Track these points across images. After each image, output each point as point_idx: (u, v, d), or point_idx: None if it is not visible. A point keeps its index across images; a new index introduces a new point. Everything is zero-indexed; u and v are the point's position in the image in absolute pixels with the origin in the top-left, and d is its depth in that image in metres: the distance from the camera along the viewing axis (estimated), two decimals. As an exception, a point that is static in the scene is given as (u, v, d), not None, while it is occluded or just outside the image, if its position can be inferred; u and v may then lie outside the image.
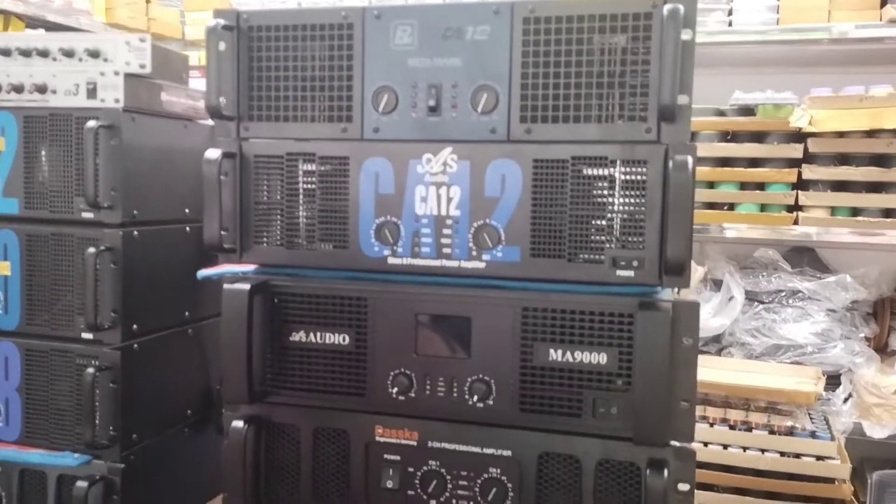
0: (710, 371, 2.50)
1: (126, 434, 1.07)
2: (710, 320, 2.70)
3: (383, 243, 0.89)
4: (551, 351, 0.85)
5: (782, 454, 2.33)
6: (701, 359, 2.62)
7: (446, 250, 0.87)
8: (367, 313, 0.90)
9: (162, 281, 1.13)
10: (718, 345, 2.78)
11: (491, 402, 0.87)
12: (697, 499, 2.47)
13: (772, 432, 2.36)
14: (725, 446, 2.41)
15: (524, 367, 0.86)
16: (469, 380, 0.87)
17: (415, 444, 0.90)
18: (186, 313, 1.21)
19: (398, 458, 0.90)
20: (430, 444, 0.89)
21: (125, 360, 1.06)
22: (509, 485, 0.87)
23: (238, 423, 0.92)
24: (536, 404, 0.86)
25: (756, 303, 2.68)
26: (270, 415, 0.93)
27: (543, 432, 0.86)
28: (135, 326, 1.09)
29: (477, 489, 0.88)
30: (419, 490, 0.90)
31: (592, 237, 0.83)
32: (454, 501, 0.89)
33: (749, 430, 2.39)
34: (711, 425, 2.43)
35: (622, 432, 0.83)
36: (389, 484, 0.90)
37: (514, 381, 0.86)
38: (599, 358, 0.83)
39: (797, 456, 2.32)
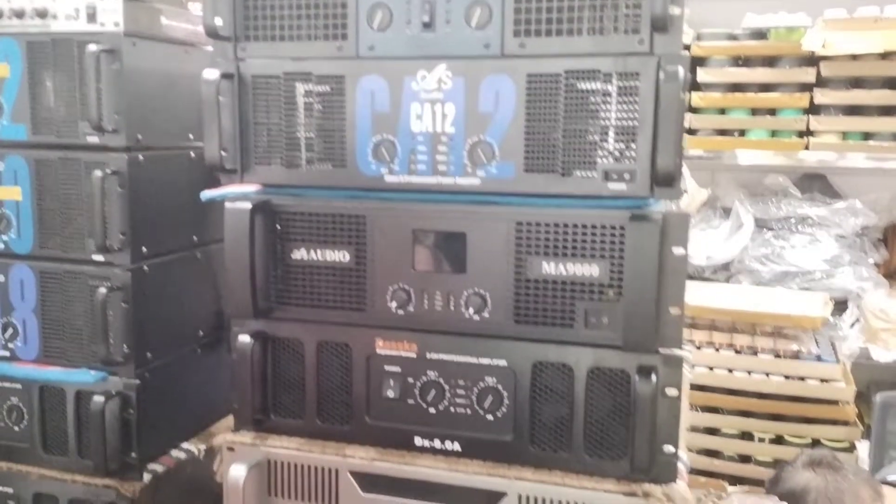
0: (718, 297, 2.52)
1: (139, 352, 1.11)
2: (720, 248, 2.71)
3: (380, 161, 0.90)
4: (544, 264, 0.87)
5: (787, 377, 2.37)
6: (709, 286, 2.65)
7: (442, 167, 0.89)
8: (365, 230, 0.92)
9: (168, 205, 1.16)
10: (727, 272, 2.80)
11: (486, 315, 0.90)
12: (703, 421, 2.51)
13: (777, 356, 2.40)
14: (731, 370, 2.45)
15: (518, 280, 0.88)
16: (465, 293, 0.90)
17: (414, 355, 0.93)
18: (194, 237, 1.23)
19: (398, 369, 0.94)
20: (428, 355, 0.93)
21: (135, 280, 1.10)
22: (504, 393, 0.91)
23: (244, 338, 0.96)
24: (530, 315, 0.88)
25: (765, 230, 2.68)
26: (275, 330, 0.97)
27: (537, 342, 0.89)
28: (144, 249, 1.12)
29: (474, 397, 0.92)
30: (419, 399, 0.93)
31: (585, 151, 0.84)
32: (452, 409, 0.93)
33: (755, 354, 2.43)
34: (717, 350, 2.47)
35: (613, 341, 0.85)
36: (390, 394, 0.94)
37: (508, 294, 0.88)
38: (591, 270, 0.86)
39: (802, 379, 2.36)
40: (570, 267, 0.86)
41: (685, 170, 1.35)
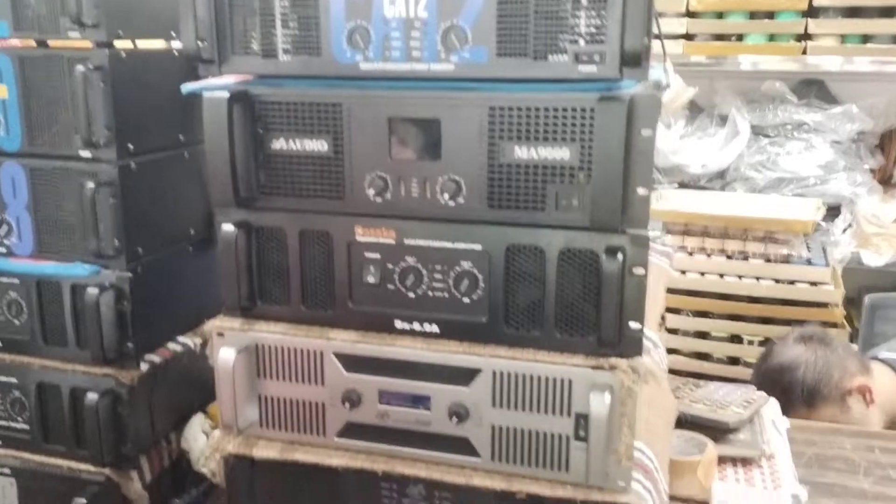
0: (711, 204, 2.54)
1: (130, 247, 1.15)
2: (715, 156, 2.71)
3: (355, 48, 0.91)
4: (517, 148, 0.89)
5: (777, 281, 2.42)
6: (703, 193, 2.68)
7: (416, 53, 0.90)
8: (342, 119, 0.94)
9: (153, 102, 1.17)
10: (723, 181, 2.82)
11: (461, 200, 0.92)
12: (694, 326, 2.57)
13: (768, 261, 2.44)
14: (722, 275, 2.50)
15: (491, 166, 0.90)
16: (440, 179, 0.92)
17: (392, 242, 0.96)
18: (181, 136, 1.25)
19: (378, 255, 0.97)
20: (406, 241, 0.95)
21: (122, 176, 1.12)
22: (480, 276, 0.94)
23: (228, 227, 0.98)
24: (504, 200, 0.91)
25: (761, 137, 2.68)
26: (258, 220, 1.00)
27: (510, 226, 0.91)
28: (130, 146, 1.14)
29: (451, 281, 0.95)
30: (398, 284, 0.97)
31: (556, 34, 0.85)
32: (430, 293, 0.96)
33: (746, 259, 2.47)
34: (709, 256, 2.51)
35: (582, 223, 0.88)
36: (371, 280, 0.97)
37: (482, 179, 0.91)
38: (562, 153, 0.87)
39: (792, 283, 2.41)
40: (542, 151, 0.88)
41: (670, 67, 1.35)
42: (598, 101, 0.83)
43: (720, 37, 2.54)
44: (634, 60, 0.82)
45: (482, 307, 0.95)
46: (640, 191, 0.86)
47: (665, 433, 1.19)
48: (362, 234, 0.97)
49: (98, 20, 1.06)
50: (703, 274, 2.50)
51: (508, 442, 0.95)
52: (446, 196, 0.92)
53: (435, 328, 0.97)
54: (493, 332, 0.95)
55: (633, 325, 0.90)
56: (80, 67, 1.06)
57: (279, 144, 0.97)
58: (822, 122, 2.54)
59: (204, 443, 1.27)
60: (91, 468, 1.20)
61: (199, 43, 0.95)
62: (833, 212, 2.54)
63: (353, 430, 1.01)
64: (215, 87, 0.95)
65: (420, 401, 0.97)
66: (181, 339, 1.30)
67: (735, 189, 2.73)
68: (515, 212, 0.91)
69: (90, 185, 1.10)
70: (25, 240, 1.17)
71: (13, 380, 1.21)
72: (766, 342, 2.47)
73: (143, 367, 1.20)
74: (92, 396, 1.16)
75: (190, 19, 0.93)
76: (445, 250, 0.95)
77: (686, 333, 2.56)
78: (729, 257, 2.46)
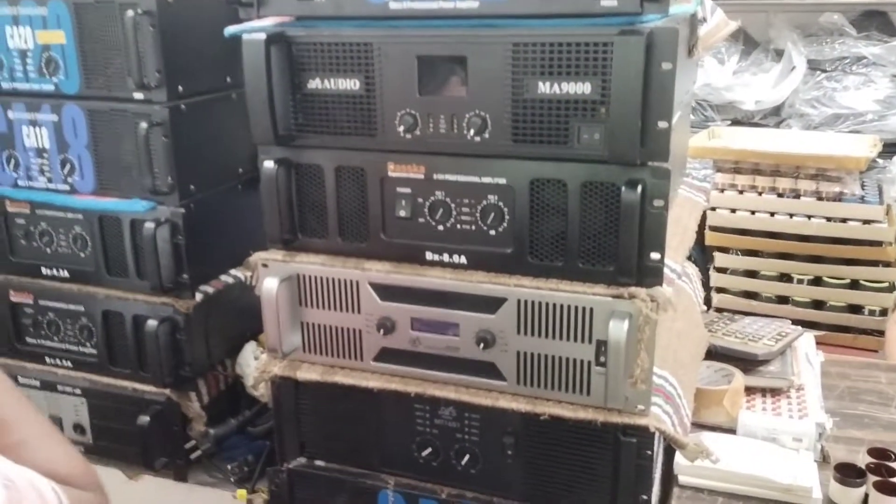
0: (763, 141, 2.50)
1: (183, 184, 1.22)
2: (770, 92, 2.65)
3: (384, -12, 0.94)
4: (540, 83, 0.91)
5: (829, 219, 2.38)
6: (755, 130, 2.64)
7: (442, -8, 0.92)
8: (373, 58, 0.97)
9: (201, 46, 1.22)
10: (777, 117, 2.76)
11: (487, 136, 0.96)
12: (743, 265, 2.56)
13: (819, 199, 2.40)
14: (773, 214, 2.47)
15: (516, 101, 0.93)
16: (467, 116, 0.96)
17: (422, 177, 1.00)
18: (228, 79, 1.31)
19: (409, 190, 1.02)
20: (435, 176, 1.00)
21: (173, 117, 1.19)
22: (505, 209, 0.98)
23: (269, 164, 1.04)
24: (527, 135, 0.94)
25: (818, 72, 2.61)
26: (297, 157, 1.05)
27: (534, 160, 0.95)
28: (180, 88, 1.20)
29: (477, 214, 0.99)
30: (428, 217, 1.02)
31: (577, -30, 0.86)
32: (458, 226, 1.01)
33: (797, 197, 2.43)
34: (760, 194, 2.48)
35: (603, 156, 0.91)
36: (402, 213, 1.02)
37: (506, 115, 0.94)
38: (584, 87, 0.90)
39: (843, 221, 2.37)
40: (564, 85, 0.90)
41: (710, 1, 1.34)
42: (617, 35, 0.85)
43: (776, -32, 2.46)
44: (654, -5, 0.83)
45: (507, 239, 0.99)
46: (661, 124, 0.88)
47: (692, 364, 1.23)
48: (394, 170, 1.02)
49: (145, -33, 1.11)
50: (753, 212, 2.47)
51: (532, 367, 1.01)
52: (472, 132, 0.96)
53: (463, 259, 1.02)
54: (518, 263, 0.99)
55: (654, 255, 0.93)
56: (129, 12, 1.12)
57: (315, 84, 1.01)
58: (882, 55, 2.46)
59: (256, 365, 1.36)
60: (153, 389, 1.30)
61: (239, -14, 0.99)
62: (891, 149, 2.47)
63: (387, 355, 1.07)
64: (254, 30, 1.00)
65: (449, 328, 1.03)
66: (233, 272, 1.38)
67: (790, 126, 2.67)
68: (539, 146, 0.94)
69: (143, 125, 1.17)
70: (87, 178, 1.26)
71: (81, 308, 1.32)
72: (816, 281, 2.45)
73: (198, 296, 1.29)
74: (152, 323, 1.26)
75: (228, -37, 0.98)
76: (472, 184, 0.99)
77: (735, 272, 2.55)
78: (780, 195, 2.42)
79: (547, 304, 0.98)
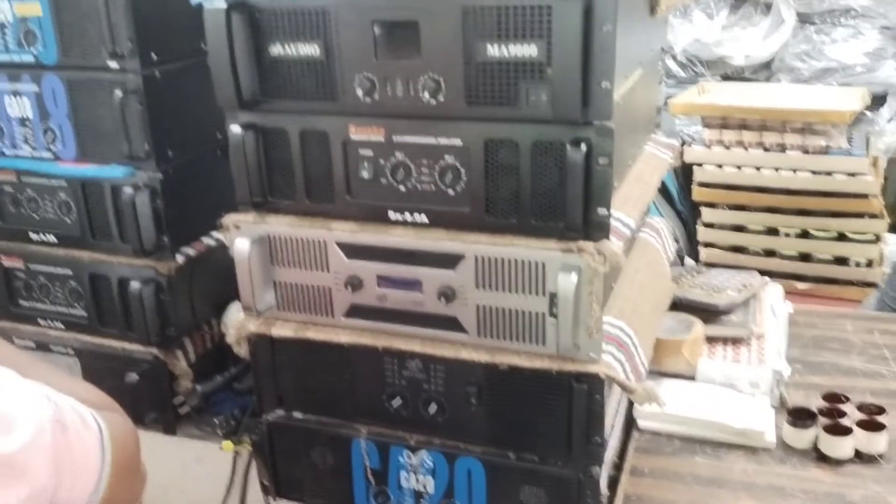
0: (749, 96, 2.51)
1: (160, 150, 1.26)
2: (759, 46, 2.65)
3: (338, -44, 0.97)
4: (489, 47, 0.94)
5: (815, 173, 2.40)
6: (746, 85, 2.64)
7: (393, -42, 0.95)
8: (331, 24, 1.01)
9: (171, 12, 1.25)
10: (768, 71, 2.76)
11: (441, 99, 0.99)
12: (730, 219, 2.59)
13: (806, 152, 2.41)
14: (759, 168, 2.49)
15: (467, 64, 0.96)
16: (422, 79, 0.99)
17: (382, 139, 1.04)
18: (202, 44, 1.34)
19: (370, 152, 1.06)
20: (394, 138, 1.04)
21: (147, 84, 1.22)
22: (462, 169, 1.02)
23: (236, 128, 1.08)
24: (480, 97, 0.97)
25: (807, 25, 2.60)
26: (263, 121, 1.09)
27: (487, 122, 0.98)
28: (153, 56, 1.24)
29: (436, 174, 1.03)
30: (390, 178, 1.06)
31: (520, -66, 0.89)
32: (418, 186, 1.05)
33: (783, 151, 2.45)
34: (746, 149, 2.50)
35: (551, 117, 0.94)
36: (365, 175, 1.06)
37: (459, 78, 0.97)
38: (530, 50, 0.93)
39: (829, 174, 2.38)
40: (512, 48, 0.93)
41: (671, -44, 1.35)
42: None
43: (764, -81, 2.44)
44: (591, -42, 0.86)
45: (465, 198, 1.03)
46: (604, 84, 0.91)
47: (653, 315, 1.27)
48: (355, 133, 1.05)
49: (113, -62, 1.14)
50: (739, 168, 2.49)
51: (491, 319, 1.05)
52: (427, 94, 0.99)
53: (424, 218, 1.06)
54: (475, 221, 1.03)
55: (601, 210, 0.97)
56: (99, -17, 1.15)
57: (276, 50, 1.05)
58: (871, 6, 2.44)
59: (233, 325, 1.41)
60: (141, 348, 1.36)
61: (199, -43, 1.02)
62: (879, 100, 2.47)
63: (356, 311, 1.12)
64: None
65: (413, 284, 1.08)
66: (215, 234, 1.42)
67: (780, 80, 2.67)
68: (491, 108, 0.97)
69: (118, 93, 1.21)
70: (69, 145, 1.30)
71: (69, 272, 1.37)
72: (803, 234, 2.48)
73: (180, 259, 1.34)
74: (136, 285, 1.31)
75: (188, -65, 1.01)
76: (430, 146, 1.02)
77: (723, 227, 2.58)
78: (766, 150, 2.44)
79: (502, 260, 1.02)
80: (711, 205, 2.57)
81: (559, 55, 0.90)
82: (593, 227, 0.97)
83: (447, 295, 1.06)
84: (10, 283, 1.43)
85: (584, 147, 0.93)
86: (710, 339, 1.33)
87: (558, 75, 0.91)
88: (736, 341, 1.33)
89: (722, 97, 2.57)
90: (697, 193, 2.54)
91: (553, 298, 1.00)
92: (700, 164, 2.51)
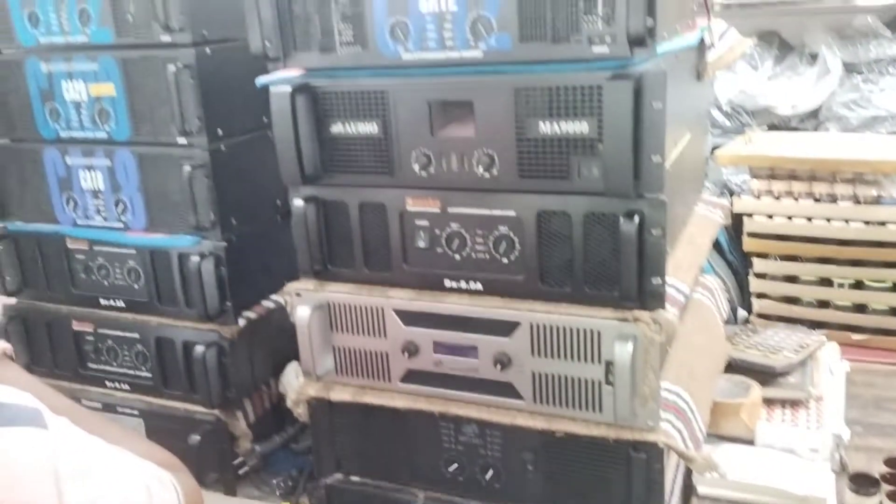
0: (798, 146, 2.50)
1: (224, 219, 1.32)
2: (806, 96, 2.65)
3: (396, 41, 1.02)
4: (541, 123, 0.98)
5: (867, 223, 2.37)
6: (793, 135, 2.63)
7: (449, 43, 1.00)
8: (388, 104, 1.05)
9: (238, 91, 1.32)
10: (815, 120, 2.75)
11: (495, 172, 1.03)
12: (782, 270, 2.56)
13: (857, 202, 2.38)
14: (810, 219, 2.47)
15: (520, 140, 1.00)
16: (476, 154, 1.03)
17: (438, 210, 1.08)
18: (264, 118, 1.40)
19: (426, 223, 1.09)
20: (450, 209, 1.07)
21: (214, 159, 1.29)
22: (515, 239, 1.05)
23: (298, 202, 1.13)
24: (532, 171, 1.01)
25: (854, 74, 2.60)
26: (324, 194, 1.14)
27: (539, 194, 1.01)
28: (220, 131, 1.30)
29: (490, 244, 1.06)
30: (445, 247, 1.09)
31: (571, 19, 0.93)
32: (473, 255, 1.08)
33: (834, 201, 2.42)
34: (797, 200, 2.48)
35: (603, 190, 0.97)
36: (421, 244, 1.10)
37: (512, 153, 1.01)
38: (581, 126, 0.96)
39: (882, 224, 2.35)
40: (563, 125, 0.97)
41: (717, 25, 1.39)
42: (608, 80, 0.91)
43: (807, -27, 2.46)
44: (640, 40, 0.89)
45: (519, 266, 1.06)
46: (654, 158, 0.94)
47: (709, 378, 1.27)
48: (412, 205, 1.09)
49: (184, 25, 1.22)
50: (790, 218, 2.47)
51: (547, 386, 1.07)
52: (481, 168, 1.03)
53: (479, 286, 1.09)
54: (530, 289, 1.06)
55: (654, 280, 0.98)
56: (171, 66, 1.22)
57: (337, 128, 1.10)
58: (919, 55, 2.43)
59: (293, 390, 1.45)
60: (203, 409, 1.41)
61: (266, 43, 1.08)
62: (932, 149, 2.44)
63: (413, 376, 1.15)
64: (281, 81, 1.09)
65: (469, 350, 1.10)
66: (273, 297, 1.47)
67: (828, 129, 2.66)
68: (543, 181, 1.00)
69: (187, 167, 1.28)
70: (139, 216, 1.37)
71: (136, 335, 1.43)
72: (857, 285, 2.44)
73: (241, 322, 1.39)
74: (200, 348, 1.36)
75: (255, 23, 1.07)
76: (484, 217, 1.06)
77: (774, 278, 2.55)
78: (817, 200, 2.42)
79: (558, 328, 1.04)
80: (763, 255, 2.55)
81: (610, 132, 0.93)
82: (648, 297, 0.99)
83: (503, 362, 1.08)
84: (80, 347, 1.49)
85: (636, 219, 0.95)
86: (768, 402, 1.32)
87: (609, 151, 0.94)
88: (794, 404, 1.32)
89: (769, 147, 2.56)
90: (748, 244, 2.53)
91: (609, 367, 1.02)
92: (750, 215, 2.50)
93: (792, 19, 2.70)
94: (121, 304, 1.43)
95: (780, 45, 2.76)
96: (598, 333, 1.02)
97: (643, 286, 0.98)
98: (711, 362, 1.30)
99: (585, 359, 1.03)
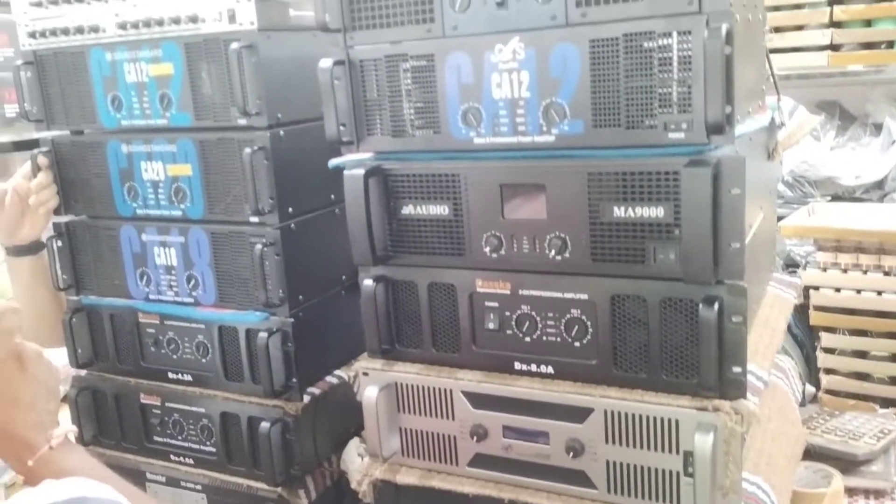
0: (864, 218, 2.45)
1: (292, 295, 1.34)
2: (870, 166, 2.60)
3: (469, 126, 1.04)
4: (615, 208, 0.98)
5: (943, 298, 2.28)
6: (855, 206, 2.59)
7: (521, 128, 1.01)
8: (460, 187, 1.07)
9: (308, 170, 1.35)
10: (881, 191, 2.69)
11: (567, 255, 1.02)
12: (852, 345, 2.48)
13: (929, 276, 2.30)
14: (880, 293, 2.39)
15: (593, 224, 0.99)
16: (548, 237, 1.03)
17: (508, 292, 1.07)
18: (332, 196, 1.43)
19: (496, 304, 1.09)
20: (520, 291, 1.07)
21: (285, 237, 1.31)
22: (588, 322, 1.03)
23: (368, 282, 1.14)
24: (606, 254, 1.00)
25: (921, 145, 2.54)
26: (393, 274, 1.14)
27: (613, 277, 1.00)
28: (290, 209, 1.33)
29: (562, 327, 1.05)
30: (515, 329, 1.08)
31: (646, 105, 0.93)
32: (544, 338, 1.07)
33: (905, 275, 2.34)
34: (865, 273, 2.41)
35: (680, 274, 0.95)
36: (491, 325, 1.09)
37: (585, 237, 1.00)
38: (657, 212, 0.95)
39: (959, 299, 2.26)
40: (638, 210, 0.96)
41: (786, 104, 1.38)
42: (685, 166, 0.91)
43: (868, 45, 2.44)
44: (718, 128, 0.88)
45: (592, 351, 1.04)
46: (734, 245, 0.92)
47: (788, 466, 1.22)
48: (482, 286, 1.09)
49: (261, 108, 1.26)
50: (858, 291, 2.40)
51: (622, 476, 1.04)
52: (553, 252, 1.02)
53: (550, 369, 1.07)
54: (603, 374, 1.04)
55: (735, 369, 0.96)
56: (247, 149, 1.26)
57: (408, 210, 1.11)
58: None
59: (359, 464, 1.43)
60: (266, 487, 1.40)
61: (341, 128, 1.11)
62: None
63: (481, 461, 1.13)
64: (354, 164, 1.11)
65: (539, 436, 1.08)
66: (337, 372, 1.47)
67: (894, 200, 2.60)
68: (617, 265, 0.99)
69: (258, 245, 1.30)
70: (209, 291, 1.39)
71: (202, 410, 1.44)
72: (931, 361, 2.34)
73: (306, 398, 1.39)
74: (265, 425, 1.36)
75: (331, 108, 1.10)
76: (555, 299, 1.05)
77: (843, 353, 2.46)
78: (886, 273, 2.35)
79: (633, 415, 1.01)
80: (831, 329, 2.48)
81: (688, 218, 0.92)
82: (729, 386, 0.96)
83: (575, 449, 1.05)
84: (147, 420, 1.50)
85: (716, 306, 0.93)
86: (850, 491, 1.26)
87: (687, 236, 0.92)
88: (878, 494, 1.25)
89: (834, 219, 2.51)
90: (815, 318, 2.45)
91: (688, 457, 0.98)
92: (816, 288, 2.44)
93: (853, 90, 2.68)
94: (188, 378, 1.45)
95: (841, 115, 2.73)
96: (676, 422, 0.99)
97: (723, 375, 0.95)
98: (790, 449, 1.24)
99: (662, 448, 1.00)
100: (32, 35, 1.42)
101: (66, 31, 1.39)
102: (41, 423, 0.91)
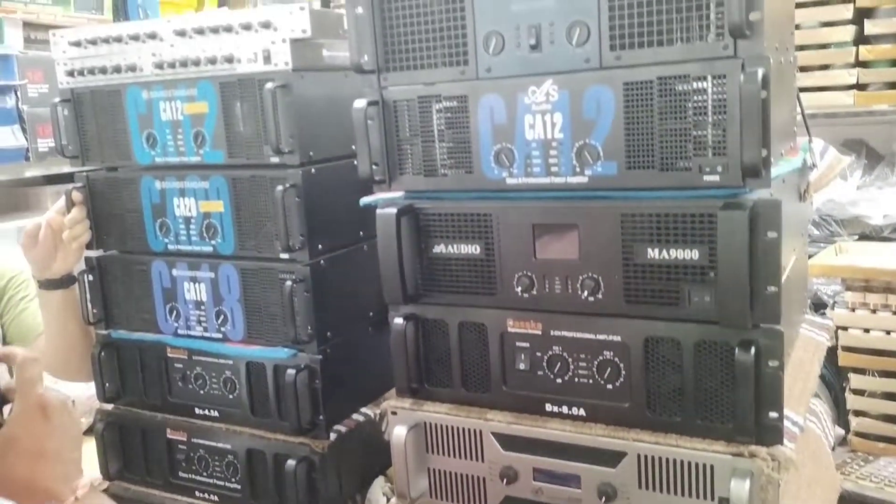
0: (891, 257, 2.42)
1: (321, 332, 1.34)
2: (897, 206, 2.58)
3: (501, 167, 1.05)
4: (649, 250, 0.97)
5: (974, 340, 2.24)
6: (886, 245, 2.56)
7: (554, 168, 1.01)
8: (492, 226, 1.07)
9: (338, 208, 1.36)
10: (909, 231, 2.66)
11: (600, 296, 1.02)
12: (882, 386, 2.45)
13: (961, 318, 2.27)
14: (908, 334, 2.35)
15: (626, 265, 0.99)
16: (580, 278, 1.02)
17: (540, 333, 1.07)
18: (361, 232, 1.44)
19: (527, 344, 1.08)
20: (552, 332, 1.06)
21: (314, 273, 1.32)
22: (621, 364, 1.02)
23: (398, 320, 1.14)
24: (639, 296, 0.99)
25: (950, 184, 2.52)
26: (424, 313, 1.14)
27: (647, 319, 0.99)
28: (320, 246, 1.33)
29: (594, 369, 1.04)
30: (546, 370, 1.07)
31: (680, 148, 0.93)
32: (576, 380, 1.06)
33: (934, 316, 2.31)
34: (894, 313, 2.38)
35: (716, 317, 0.94)
36: (522, 366, 1.09)
37: (618, 278, 1.00)
38: (692, 254, 0.95)
39: None
40: (673, 252, 0.96)
41: (817, 146, 1.38)
42: (721, 209, 0.90)
43: (894, 84, 2.44)
44: (755, 171, 0.88)
45: (625, 393, 1.03)
46: (770, 289, 0.91)
47: (824, 513, 1.19)
48: (513, 326, 1.09)
49: (293, 147, 1.27)
50: (888, 332, 2.37)
51: (655, 521, 1.02)
52: (586, 293, 1.02)
53: (582, 412, 1.06)
54: (636, 417, 1.02)
55: (772, 414, 0.94)
56: (279, 187, 1.27)
57: (439, 249, 1.12)
58: None
59: (384, 504, 1.42)
60: (291, 525, 1.38)
61: (373, 167, 1.12)
62: None
63: None
64: (386, 203, 1.12)
65: (571, 479, 1.06)
66: (364, 410, 1.47)
67: (924, 240, 2.57)
68: (651, 307, 0.99)
69: (288, 282, 1.31)
70: (238, 327, 1.40)
71: (228, 446, 1.44)
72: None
73: (332, 436, 1.38)
74: (291, 463, 1.35)
75: (365, 148, 1.11)
76: (588, 341, 1.04)
77: (873, 395, 2.42)
78: (914, 314, 2.32)
79: (667, 460, 1.00)
80: (860, 371, 2.44)
81: (724, 261, 0.91)
82: (765, 431, 0.94)
83: (608, 494, 1.03)
84: (173, 456, 1.50)
85: (752, 350, 0.92)
86: (888, 541, 1.22)
87: (723, 279, 0.92)
88: (917, 544, 1.22)
89: (862, 258, 2.49)
90: (843, 359, 2.42)
91: (723, 504, 0.97)
92: (845, 328, 2.40)
93: (880, 128, 2.66)
94: (215, 413, 1.44)
95: (868, 154, 2.72)
96: (711, 468, 0.97)
97: (759, 420, 0.94)
98: (825, 496, 1.22)
99: (697, 495, 0.98)
100: (71, 73, 1.45)
101: (103, 70, 1.42)
102: (66, 475, 0.89)
